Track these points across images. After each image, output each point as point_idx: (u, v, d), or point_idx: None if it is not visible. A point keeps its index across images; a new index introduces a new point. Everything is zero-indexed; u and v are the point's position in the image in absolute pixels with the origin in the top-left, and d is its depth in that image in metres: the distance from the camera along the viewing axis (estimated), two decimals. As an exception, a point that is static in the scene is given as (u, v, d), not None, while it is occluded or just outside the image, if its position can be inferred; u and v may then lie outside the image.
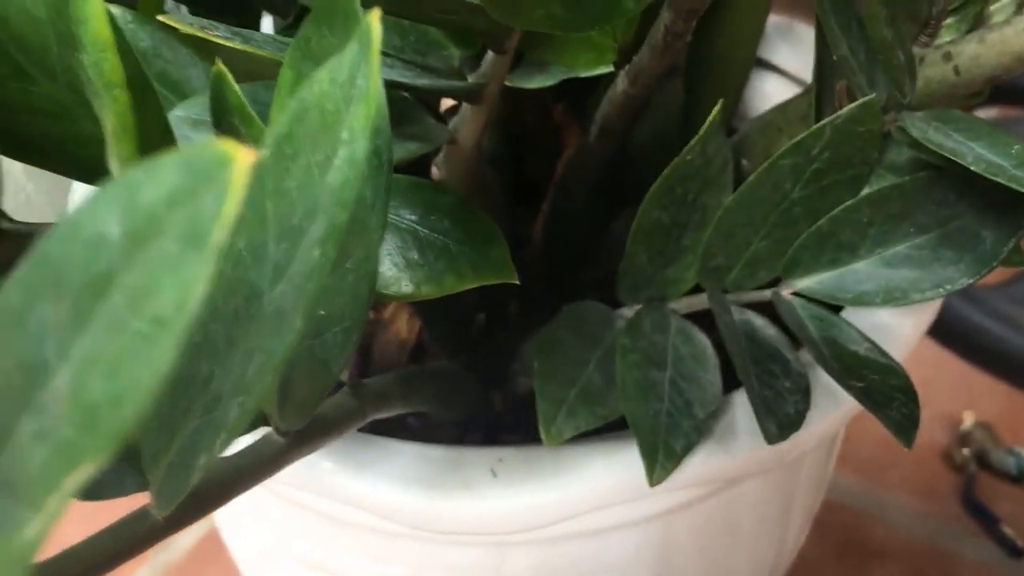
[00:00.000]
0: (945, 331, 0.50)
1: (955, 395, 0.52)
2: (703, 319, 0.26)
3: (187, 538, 0.48)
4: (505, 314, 0.30)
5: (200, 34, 0.16)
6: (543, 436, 0.23)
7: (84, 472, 0.08)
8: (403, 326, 0.30)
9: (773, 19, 0.35)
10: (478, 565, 0.27)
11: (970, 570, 0.46)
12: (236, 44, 0.16)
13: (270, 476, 0.17)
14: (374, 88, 0.11)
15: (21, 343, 0.09)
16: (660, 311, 0.25)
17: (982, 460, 0.46)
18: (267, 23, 0.29)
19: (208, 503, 0.15)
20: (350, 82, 0.12)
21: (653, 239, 0.25)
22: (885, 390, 0.22)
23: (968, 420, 0.48)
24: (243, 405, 0.12)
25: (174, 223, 0.08)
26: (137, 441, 0.15)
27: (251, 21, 0.28)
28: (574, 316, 0.25)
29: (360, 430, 0.24)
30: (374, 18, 0.12)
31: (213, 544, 0.48)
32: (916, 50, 0.23)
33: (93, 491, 0.15)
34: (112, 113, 0.15)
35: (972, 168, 0.20)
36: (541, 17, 0.17)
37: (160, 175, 0.08)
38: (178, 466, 0.13)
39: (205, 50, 0.23)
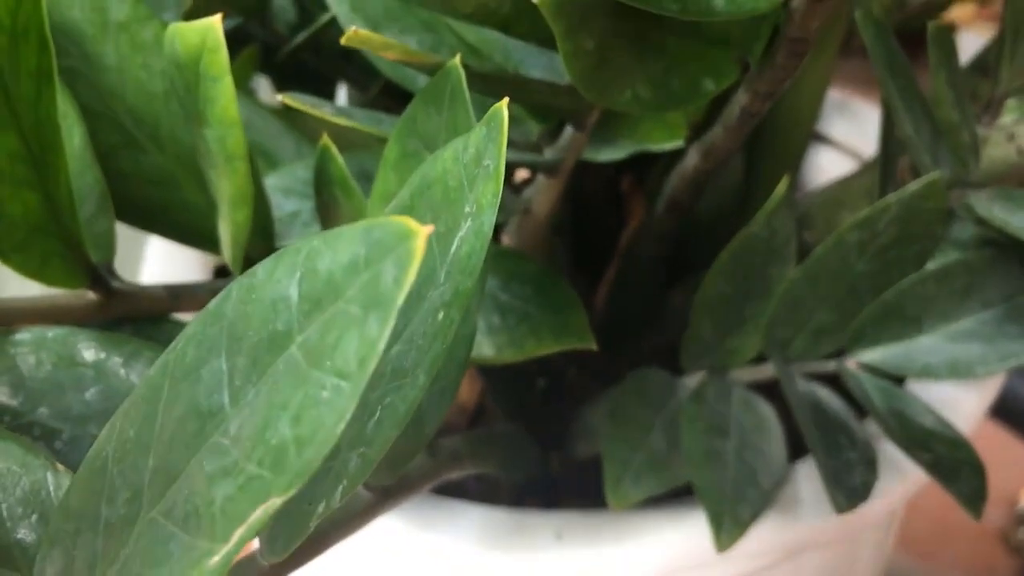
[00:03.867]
0: (1003, 410, 0.49)
1: (1013, 475, 0.52)
2: (765, 390, 0.26)
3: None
4: (565, 379, 0.31)
5: (312, 111, 0.17)
6: (610, 499, 0.23)
7: (271, 507, 0.09)
8: (465, 390, 0.31)
9: (829, 95, 0.36)
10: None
11: (1023, 652, 0.45)
12: (342, 120, 0.17)
13: (360, 529, 0.18)
14: (501, 167, 0.12)
15: (195, 392, 0.10)
16: (723, 380, 0.26)
17: (1037, 540, 0.46)
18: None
19: (306, 553, 0.16)
20: (476, 161, 0.12)
21: (717, 309, 0.25)
22: (952, 462, 0.22)
23: (1026, 501, 0.48)
24: (364, 456, 0.13)
25: (355, 287, 0.09)
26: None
27: (329, 93, 0.29)
28: (638, 383, 0.26)
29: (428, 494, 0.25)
30: (502, 106, 0.13)
31: None
32: (979, 130, 0.24)
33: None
34: (231, 184, 0.16)
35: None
36: (629, 99, 0.18)
37: (339, 245, 0.09)
38: (294, 515, 0.14)
39: (296, 121, 0.24)
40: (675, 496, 0.25)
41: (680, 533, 0.24)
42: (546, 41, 0.17)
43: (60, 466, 0.13)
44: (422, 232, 0.09)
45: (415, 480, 0.20)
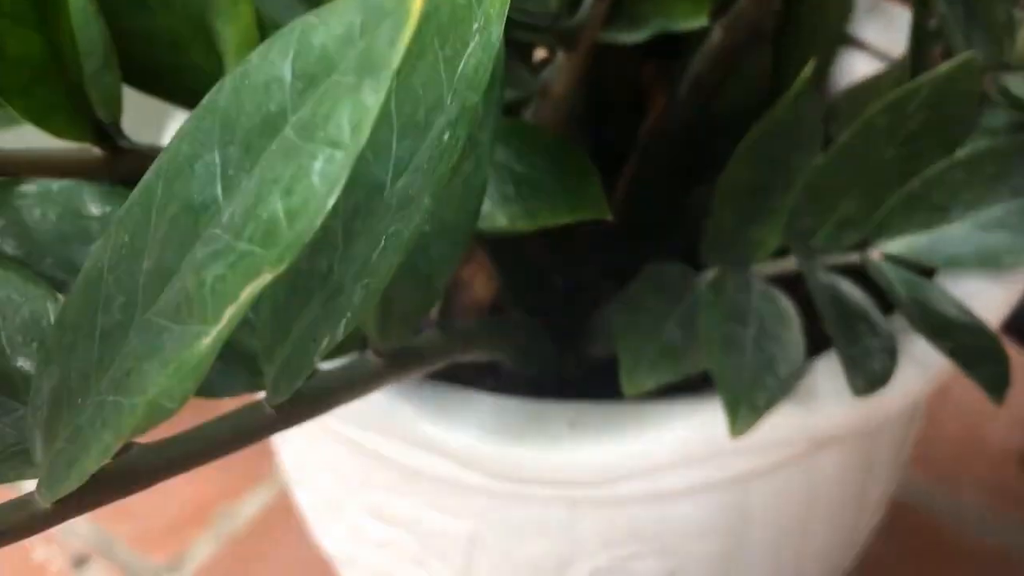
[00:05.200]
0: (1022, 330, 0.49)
1: (1034, 399, 0.51)
2: (786, 284, 0.26)
3: (250, 508, 0.49)
4: (583, 278, 0.30)
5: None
6: (624, 386, 0.23)
7: (261, 282, 0.08)
8: (481, 287, 0.30)
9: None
10: (549, 524, 0.27)
11: (1041, 575, 0.45)
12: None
13: (367, 393, 0.17)
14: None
15: (189, 189, 0.09)
16: (744, 273, 0.25)
17: (1059, 464, 0.45)
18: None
19: (313, 407, 0.16)
20: (483, -24, 0.12)
21: (739, 199, 0.25)
22: (975, 350, 0.21)
23: (1047, 424, 0.47)
24: (368, 288, 0.12)
25: (349, 58, 0.08)
26: (251, 342, 0.15)
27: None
28: (656, 275, 0.26)
29: (440, 381, 0.25)
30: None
31: (277, 515, 0.48)
32: (1016, 12, 0.23)
33: (207, 389, 0.15)
34: (235, 29, 0.16)
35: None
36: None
37: (333, 17, 0.08)
38: (295, 357, 0.14)
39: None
40: (691, 390, 0.25)
41: (696, 422, 0.24)
42: None
43: (60, 295, 0.13)
44: (418, -3, 0.08)
45: (425, 353, 0.20)
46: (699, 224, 0.26)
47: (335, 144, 0.08)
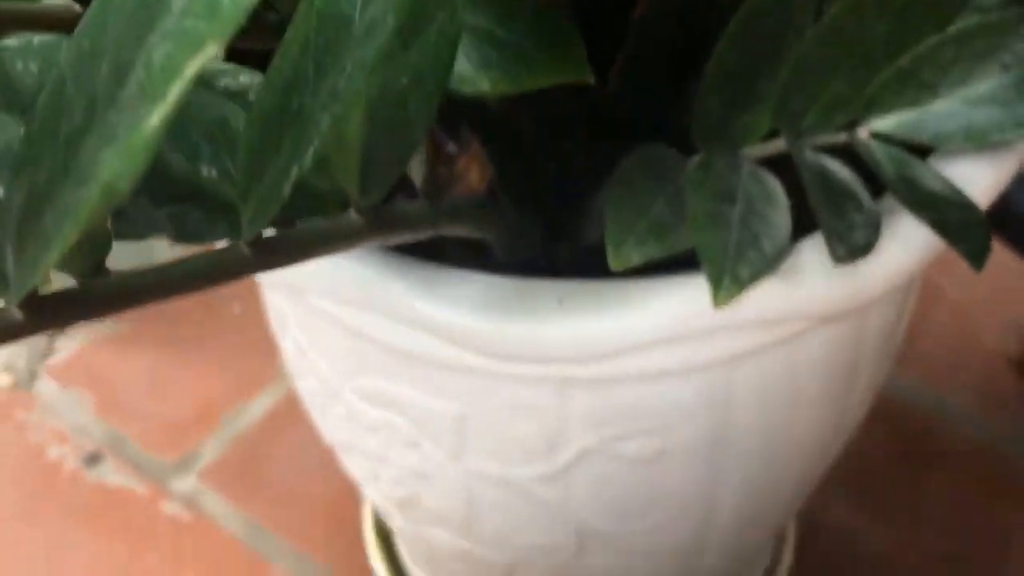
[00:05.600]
0: (1018, 236, 0.49)
1: (1026, 301, 0.51)
2: (777, 168, 0.26)
3: (258, 409, 0.50)
4: (575, 165, 0.30)
5: None
6: (611, 260, 0.23)
7: (205, 56, 0.08)
8: (475, 178, 0.31)
9: None
10: (539, 405, 0.27)
11: (1032, 476, 0.46)
12: None
13: (346, 248, 0.18)
14: None
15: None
16: (733, 152, 0.25)
17: (1050, 365, 0.46)
18: None
19: (290, 253, 0.16)
20: None
21: (728, 81, 0.25)
22: (960, 223, 0.21)
23: (1039, 327, 0.47)
24: (335, 115, 0.13)
25: None
26: (229, 192, 0.15)
27: None
28: (647, 155, 0.26)
29: (427, 260, 0.25)
30: None
31: (283, 416, 0.49)
32: None
33: (191, 234, 0.16)
34: None
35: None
36: None
37: None
38: (268, 192, 0.14)
39: None
40: (679, 270, 0.25)
41: (682, 297, 0.24)
42: None
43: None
44: None
45: (408, 219, 0.20)
46: (693, 103, 0.26)
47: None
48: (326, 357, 0.30)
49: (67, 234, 0.10)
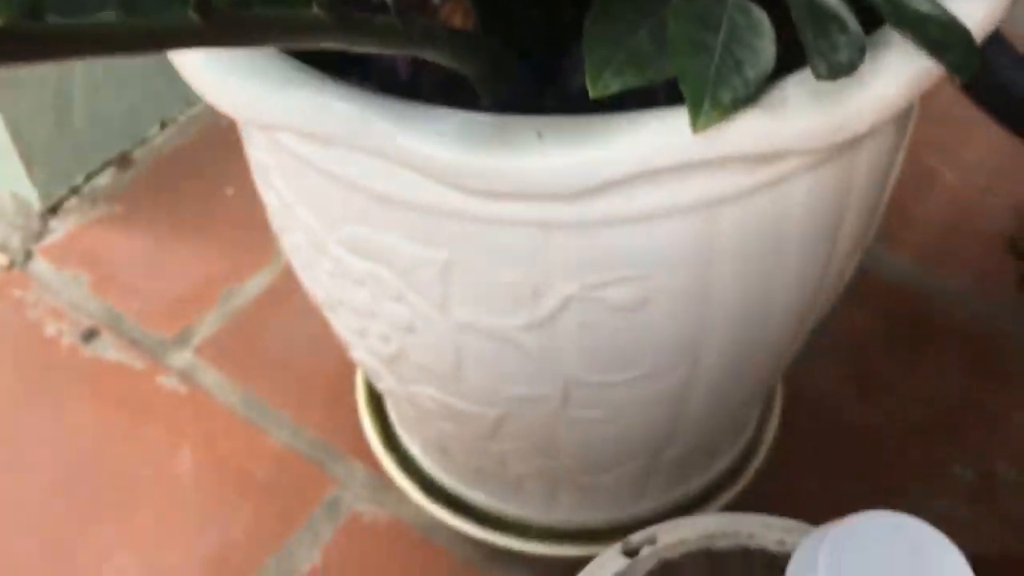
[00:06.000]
0: (1015, 116, 0.48)
1: (1022, 182, 0.51)
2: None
3: (253, 287, 0.50)
4: (561, 14, 0.30)
5: None
6: (589, 88, 0.23)
7: None
8: (458, 23, 0.30)
9: None
10: (522, 247, 0.27)
11: (1025, 352, 0.46)
12: None
13: (304, 40, 0.17)
14: None
15: None
16: (719, -16, 0.25)
17: (1047, 243, 0.45)
18: None
19: (242, 32, 0.15)
20: None
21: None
22: (945, 40, 0.21)
23: (1035, 207, 0.47)
24: None
25: None
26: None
27: None
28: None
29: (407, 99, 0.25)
30: None
31: (279, 293, 0.49)
32: None
33: (136, 5, 0.15)
34: None
35: None
36: None
37: None
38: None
39: None
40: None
41: (664, 127, 0.23)
42: None
43: None
44: None
45: (376, 27, 0.19)
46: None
47: None
48: (310, 207, 0.30)
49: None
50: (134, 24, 0.14)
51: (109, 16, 0.14)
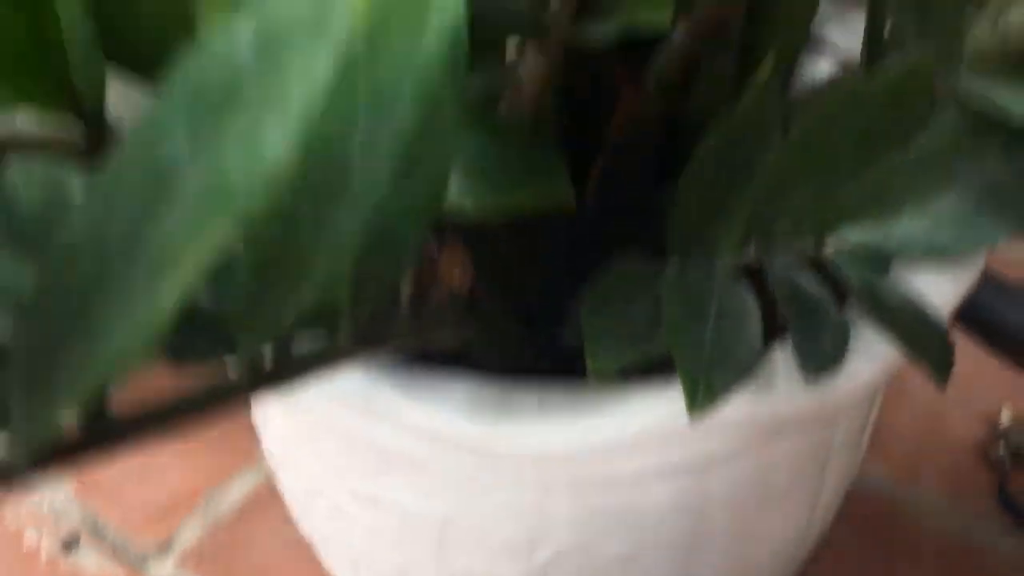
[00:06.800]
0: (984, 328, 0.50)
1: (993, 391, 0.52)
2: (748, 272, 0.27)
3: (236, 493, 0.50)
4: (556, 270, 0.31)
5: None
6: (589, 366, 0.24)
7: (218, 234, 0.09)
8: (456, 279, 0.31)
9: (830, 6, 0.36)
10: (520, 505, 0.28)
11: (1002, 566, 0.46)
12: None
13: (337, 368, 0.18)
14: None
15: (156, 150, 0.10)
16: (706, 264, 0.26)
17: (1018, 456, 0.47)
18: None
19: (284, 378, 0.17)
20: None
21: (701, 194, 0.26)
22: (921, 336, 0.22)
23: (1005, 416, 0.48)
24: (334, 259, 0.13)
25: (305, 31, 0.09)
26: (222, 310, 0.16)
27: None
28: (623, 262, 0.27)
29: (417, 367, 0.26)
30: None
31: (262, 500, 0.49)
32: (967, 13, 0.24)
33: (178, 351, 0.16)
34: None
35: (1017, 126, 0.21)
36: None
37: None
38: (265, 325, 0.15)
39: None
40: (655, 374, 0.26)
41: (658, 403, 0.25)
42: None
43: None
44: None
45: (395, 332, 0.21)
46: (668, 214, 0.27)
47: (290, 109, 0.09)
48: (312, 454, 0.30)
49: (80, 393, 0.11)
50: (187, 402, 0.15)
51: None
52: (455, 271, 0.32)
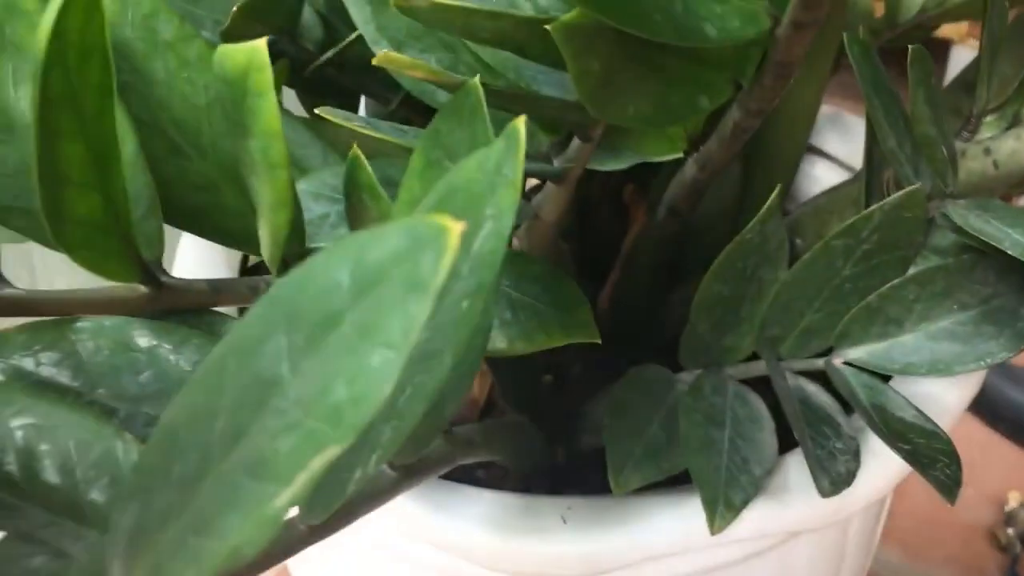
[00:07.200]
0: (991, 412, 0.51)
1: (1001, 475, 0.53)
2: (759, 385, 0.28)
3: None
4: (570, 376, 0.32)
5: (344, 124, 0.19)
6: (612, 485, 0.25)
7: (328, 455, 0.10)
8: (477, 386, 0.33)
9: (823, 109, 0.38)
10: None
11: (1011, 646, 0.47)
12: (370, 132, 0.19)
13: (385, 503, 0.19)
14: (519, 177, 0.14)
15: (258, 365, 0.12)
16: (719, 376, 0.28)
17: (1025, 538, 0.47)
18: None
19: (338, 522, 0.18)
20: (496, 170, 0.14)
21: (713, 310, 0.27)
22: (930, 452, 0.24)
23: (1013, 500, 0.49)
24: (396, 428, 0.15)
25: (398, 273, 0.10)
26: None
27: (352, 105, 0.31)
28: (639, 379, 0.28)
29: (439, 478, 0.27)
30: (520, 123, 0.14)
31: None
32: (959, 144, 0.25)
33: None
34: (272, 189, 0.18)
35: (1010, 252, 0.22)
36: (631, 115, 0.19)
37: (385, 238, 0.11)
38: (333, 482, 0.16)
39: (321, 131, 0.26)
40: (673, 484, 0.27)
41: (678, 518, 0.26)
42: (556, 62, 0.19)
43: (127, 435, 0.15)
44: (456, 228, 0.10)
45: (434, 462, 0.22)
46: (678, 323, 0.28)
47: (390, 345, 0.10)
48: (340, 568, 0.31)
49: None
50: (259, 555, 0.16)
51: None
52: (476, 380, 0.33)
